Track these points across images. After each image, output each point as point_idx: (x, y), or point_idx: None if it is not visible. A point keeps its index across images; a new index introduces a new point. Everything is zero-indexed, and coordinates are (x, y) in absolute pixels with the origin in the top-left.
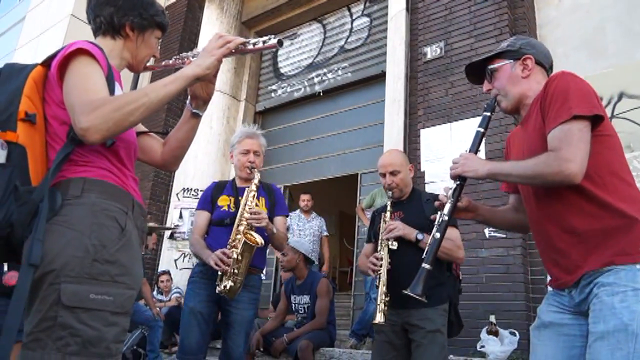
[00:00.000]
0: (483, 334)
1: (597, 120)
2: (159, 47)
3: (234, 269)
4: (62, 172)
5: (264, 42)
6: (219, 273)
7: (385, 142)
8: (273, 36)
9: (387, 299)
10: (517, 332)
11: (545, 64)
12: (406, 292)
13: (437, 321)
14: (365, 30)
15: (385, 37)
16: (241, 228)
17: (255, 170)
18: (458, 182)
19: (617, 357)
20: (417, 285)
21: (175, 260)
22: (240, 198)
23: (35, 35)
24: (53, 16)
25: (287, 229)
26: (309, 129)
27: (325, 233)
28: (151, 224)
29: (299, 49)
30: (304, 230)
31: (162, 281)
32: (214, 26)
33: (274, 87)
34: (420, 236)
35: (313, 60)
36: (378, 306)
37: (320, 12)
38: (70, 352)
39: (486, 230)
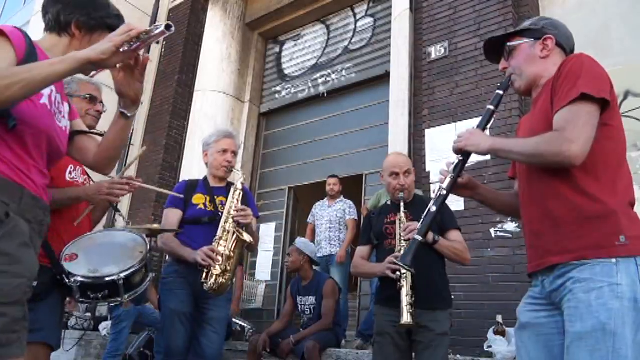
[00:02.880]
0: (490, 334)
1: (604, 106)
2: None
3: (226, 266)
4: None
5: (156, 27)
6: (205, 270)
7: (390, 143)
8: (167, 22)
9: (412, 300)
10: None
11: (566, 46)
12: (396, 261)
13: (446, 324)
14: (369, 30)
15: (389, 37)
16: (227, 225)
17: (241, 171)
18: (461, 158)
19: (596, 357)
20: (407, 255)
21: None
22: (215, 197)
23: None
24: None
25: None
26: (313, 130)
27: (352, 216)
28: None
29: (303, 50)
30: (321, 218)
31: None
32: (217, 28)
33: (278, 88)
34: (437, 237)
35: (317, 61)
36: (405, 307)
37: (323, 13)
38: None
39: (492, 230)
